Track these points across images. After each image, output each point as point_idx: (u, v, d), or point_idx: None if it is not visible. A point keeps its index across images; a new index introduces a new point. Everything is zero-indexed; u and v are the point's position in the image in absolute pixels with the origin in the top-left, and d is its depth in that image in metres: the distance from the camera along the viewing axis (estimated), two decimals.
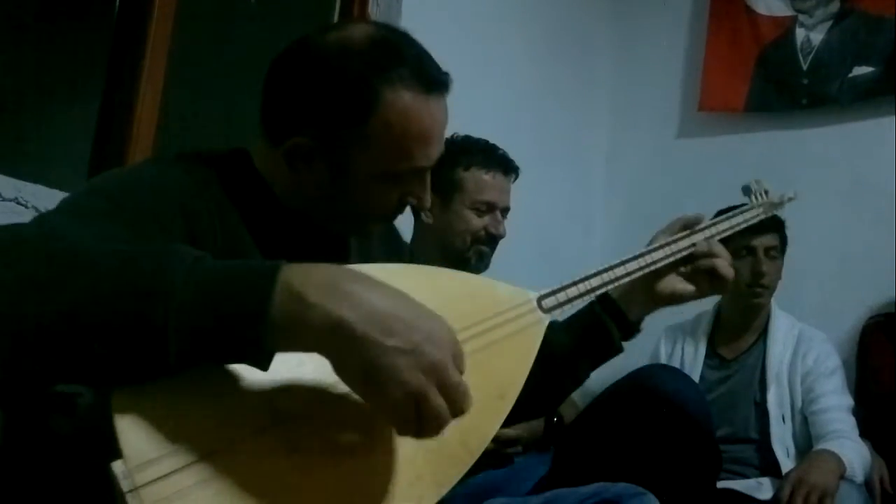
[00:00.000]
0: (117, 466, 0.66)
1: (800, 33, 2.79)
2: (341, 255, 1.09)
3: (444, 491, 0.82)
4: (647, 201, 3.02)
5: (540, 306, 1.05)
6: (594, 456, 1.41)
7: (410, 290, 0.75)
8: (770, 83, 2.82)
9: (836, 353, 2.21)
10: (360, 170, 0.98)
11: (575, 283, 1.10)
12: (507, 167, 1.96)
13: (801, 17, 2.80)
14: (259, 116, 1.05)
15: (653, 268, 1.18)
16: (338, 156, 0.97)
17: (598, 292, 1.12)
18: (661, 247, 1.21)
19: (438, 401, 0.71)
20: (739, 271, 2.17)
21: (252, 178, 1.02)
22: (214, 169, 0.99)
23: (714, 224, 1.29)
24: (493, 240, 1.93)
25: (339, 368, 0.71)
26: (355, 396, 0.74)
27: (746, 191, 1.40)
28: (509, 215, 2.03)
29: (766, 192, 1.41)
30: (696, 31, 3.03)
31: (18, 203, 1.58)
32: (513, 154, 2.05)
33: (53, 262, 0.68)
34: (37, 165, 1.78)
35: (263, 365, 0.70)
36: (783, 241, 2.24)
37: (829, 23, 2.74)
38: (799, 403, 2.13)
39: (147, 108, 1.79)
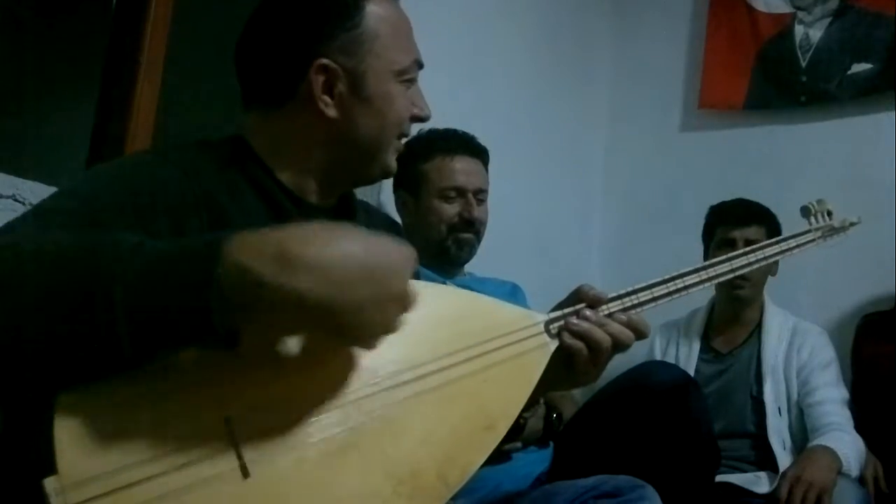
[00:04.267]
0: (49, 483, 0.64)
1: (798, 30, 2.79)
2: None
3: None
4: (646, 197, 3.02)
5: (548, 330, 0.98)
6: (593, 452, 1.42)
7: None
8: (769, 81, 2.82)
9: (830, 346, 2.21)
10: (376, 70, 1.02)
11: (589, 307, 1.01)
12: (471, 149, 1.91)
13: (800, 14, 2.79)
14: (244, 94, 1.06)
15: (684, 293, 1.08)
16: (354, 62, 1.01)
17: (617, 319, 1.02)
18: (695, 271, 1.09)
19: (401, 319, 0.74)
20: None
21: (251, 162, 1.01)
22: (208, 157, 0.98)
23: (763, 247, 1.17)
24: (469, 224, 1.88)
25: (309, 333, 0.72)
26: (318, 417, 0.72)
27: (805, 212, 1.29)
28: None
29: (829, 214, 1.28)
30: (696, 28, 3.02)
31: (16, 200, 1.57)
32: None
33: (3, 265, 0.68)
34: (35, 162, 1.77)
35: (225, 342, 0.68)
36: (772, 233, 2.24)
37: (828, 20, 2.74)
38: (795, 396, 2.13)
39: (145, 103, 1.78)
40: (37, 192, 1.59)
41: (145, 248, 0.69)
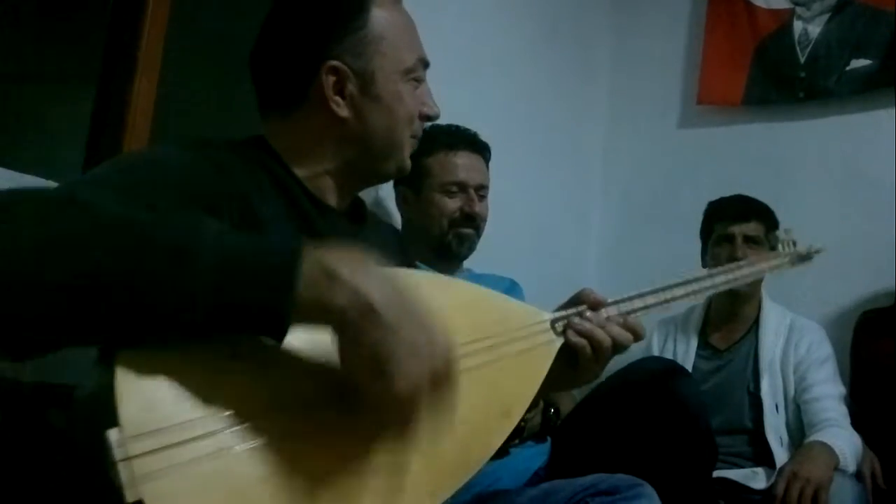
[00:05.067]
0: (112, 434, 0.65)
1: (797, 26, 2.78)
2: (355, 244, 1.08)
3: (438, 502, 0.82)
4: (645, 194, 3.02)
5: (553, 328, 1.04)
6: (591, 448, 1.42)
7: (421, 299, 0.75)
8: (768, 76, 2.82)
9: (827, 342, 2.22)
10: (385, 70, 1.05)
11: (591, 309, 1.08)
12: (474, 145, 1.93)
13: (799, 10, 2.79)
14: (260, 101, 1.09)
15: (673, 302, 1.16)
16: (363, 62, 1.04)
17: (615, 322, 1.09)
18: (687, 282, 1.18)
19: (422, 408, 0.72)
20: (718, 258, 2.21)
21: (274, 163, 1.04)
22: (237, 156, 1.00)
23: (739, 267, 1.28)
24: (470, 219, 1.89)
25: (347, 347, 0.71)
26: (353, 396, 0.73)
27: (773, 241, 1.47)
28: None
29: (794, 243, 1.45)
30: (695, 24, 3.02)
31: None
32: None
33: (85, 221, 0.69)
34: (35, 156, 1.78)
35: (280, 335, 0.71)
36: (770, 229, 2.25)
37: (827, 15, 2.74)
38: (792, 392, 2.14)
39: (143, 97, 1.78)
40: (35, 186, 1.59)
41: (228, 235, 0.72)
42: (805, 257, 1.43)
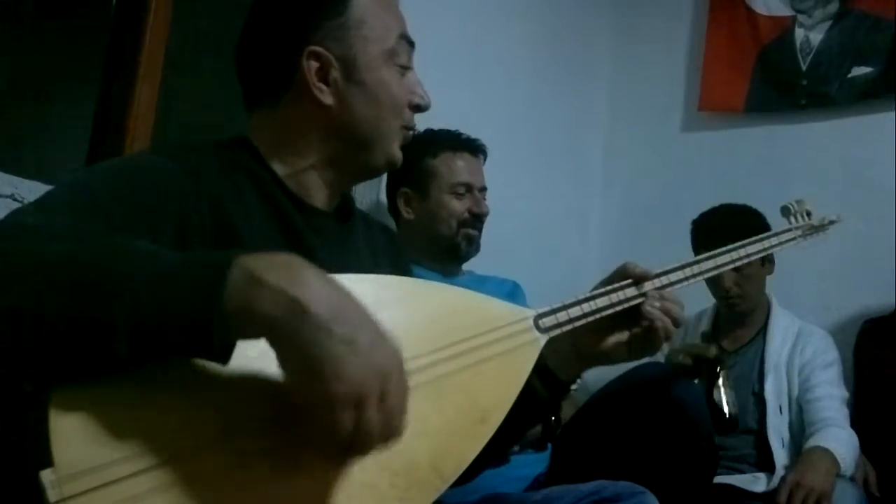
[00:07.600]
0: (46, 475, 0.64)
1: (799, 33, 2.78)
2: (340, 244, 1.07)
3: None
4: (645, 198, 3.02)
5: (537, 325, 0.99)
6: (591, 454, 1.41)
7: (395, 303, 0.72)
8: (769, 83, 2.81)
9: (834, 348, 2.22)
10: (368, 54, 1.03)
11: (578, 303, 1.04)
12: (475, 148, 1.97)
13: (801, 18, 2.79)
14: (246, 97, 1.07)
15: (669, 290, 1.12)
16: (345, 47, 1.02)
17: (604, 314, 1.06)
18: (677, 269, 1.14)
19: (374, 414, 0.67)
20: (710, 284, 2.19)
21: (253, 161, 1.02)
22: (212, 158, 0.98)
23: (744, 245, 1.20)
24: (478, 220, 1.93)
25: (283, 354, 0.67)
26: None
27: (785, 212, 1.32)
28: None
29: (809, 214, 1.32)
30: (696, 30, 3.02)
31: (15, 199, 1.58)
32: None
33: (5, 261, 0.68)
34: (34, 161, 1.77)
35: (220, 356, 0.68)
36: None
37: (829, 23, 2.74)
38: (796, 393, 2.14)
39: (144, 102, 1.78)
40: (35, 191, 1.59)
41: (158, 260, 0.69)
42: (819, 228, 1.31)
